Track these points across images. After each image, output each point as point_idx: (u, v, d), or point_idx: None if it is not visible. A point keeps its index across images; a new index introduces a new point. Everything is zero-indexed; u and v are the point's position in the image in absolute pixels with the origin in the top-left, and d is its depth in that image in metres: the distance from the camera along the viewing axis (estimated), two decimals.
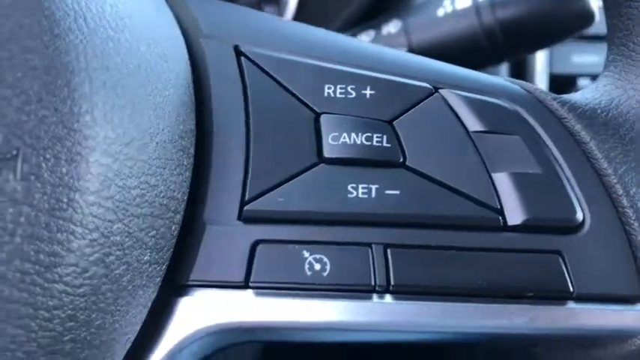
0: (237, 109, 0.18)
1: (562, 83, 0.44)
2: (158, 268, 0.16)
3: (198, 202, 0.18)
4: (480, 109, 0.20)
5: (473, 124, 0.19)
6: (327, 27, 0.51)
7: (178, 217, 0.17)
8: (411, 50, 0.32)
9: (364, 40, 0.33)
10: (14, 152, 0.13)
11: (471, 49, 0.32)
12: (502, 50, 0.32)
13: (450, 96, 0.20)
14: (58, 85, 0.13)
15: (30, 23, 0.14)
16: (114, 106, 0.15)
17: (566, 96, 0.21)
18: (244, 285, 0.17)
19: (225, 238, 0.17)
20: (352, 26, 0.44)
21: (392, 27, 0.33)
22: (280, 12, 0.55)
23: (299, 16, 0.55)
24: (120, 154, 0.15)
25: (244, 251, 0.17)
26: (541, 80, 0.43)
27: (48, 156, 0.13)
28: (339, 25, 0.48)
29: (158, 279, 0.16)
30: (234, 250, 0.17)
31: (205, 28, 0.20)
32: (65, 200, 0.13)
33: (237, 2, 0.54)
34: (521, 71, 0.44)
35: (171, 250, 0.17)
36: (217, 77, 0.19)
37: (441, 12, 0.32)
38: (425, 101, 0.20)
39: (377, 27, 0.33)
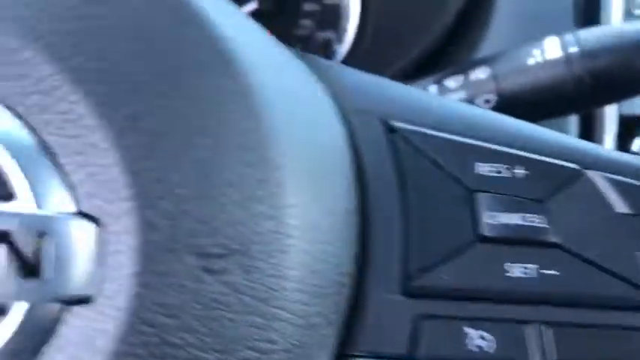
0: (392, 186, 0.19)
1: (632, 124, 0.45)
2: (333, 341, 0.17)
3: (362, 276, 0.18)
4: (625, 191, 0.21)
5: (620, 206, 0.21)
6: (393, 63, 0.53)
7: (350, 292, 0.18)
8: (500, 97, 0.33)
9: (452, 85, 0.34)
10: (236, 247, 0.14)
11: (559, 97, 0.33)
12: (590, 100, 0.33)
13: (597, 178, 0.21)
14: (271, 180, 0.15)
15: (247, 126, 0.15)
16: (314, 196, 0.16)
17: None
18: (409, 358, 0.18)
19: (390, 312, 0.19)
20: (421, 66, 0.46)
21: (480, 73, 0.34)
22: (339, 38, 0.57)
23: (358, 45, 0.57)
24: (315, 240, 0.16)
25: (408, 325, 0.19)
26: (611, 122, 0.45)
27: (265, 249, 0.14)
28: (407, 64, 0.50)
29: (331, 352, 0.18)
30: (399, 324, 0.19)
31: (354, 103, 0.21)
32: (277, 289, 0.15)
33: (291, 31, 0.56)
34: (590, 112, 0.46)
35: (343, 323, 0.18)
36: (370, 153, 0.20)
37: (531, 61, 0.33)
38: (575, 183, 0.21)
39: (464, 72, 0.34)
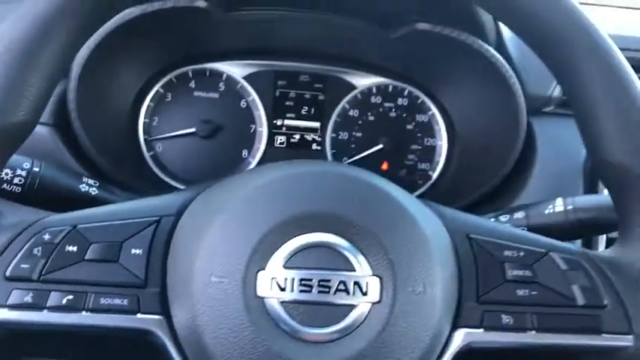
0: (471, 263, 0.44)
1: None
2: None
3: (460, 295, 0.45)
4: (570, 261, 0.46)
5: (562, 264, 0.44)
6: (466, 194, 0.76)
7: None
8: (529, 228, 0.59)
9: (503, 219, 0.60)
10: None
11: (560, 231, 0.57)
12: (577, 234, 0.59)
13: (554, 255, 0.44)
14: (432, 266, 0.41)
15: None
16: (442, 270, 0.42)
17: None
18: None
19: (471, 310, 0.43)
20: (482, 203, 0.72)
21: (519, 215, 0.60)
22: (432, 168, 0.82)
23: (444, 174, 0.81)
24: (446, 282, 0.42)
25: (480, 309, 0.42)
26: None
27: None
28: (476, 197, 0.74)
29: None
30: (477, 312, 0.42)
31: (453, 226, 0.46)
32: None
33: (403, 162, 0.81)
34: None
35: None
36: (461, 248, 0.44)
37: (547, 211, 0.59)
38: (544, 257, 0.44)
39: (510, 213, 0.60)
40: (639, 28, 0.86)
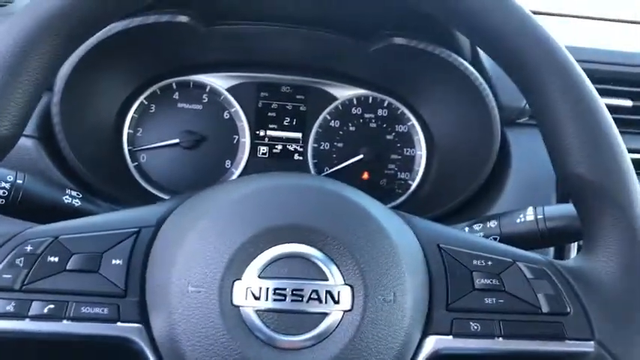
0: (441, 271, 0.46)
1: None
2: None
3: (431, 304, 0.46)
4: (535, 270, 0.46)
5: (529, 274, 0.45)
6: (443, 203, 0.78)
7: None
8: (501, 237, 0.60)
9: (476, 228, 0.62)
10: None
11: (531, 239, 0.59)
12: (547, 243, 0.60)
13: (521, 265, 0.46)
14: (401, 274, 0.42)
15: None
16: (413, 278, 0.43)
17: None
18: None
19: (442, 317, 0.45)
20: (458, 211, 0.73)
21: (492, 224, 0.61)
22: (412, 178, 0.84)
23: (423, 182, 0.82)
24: (416, 291, 0.44)
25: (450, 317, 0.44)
26: None
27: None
28: (453, 206, 0.76)
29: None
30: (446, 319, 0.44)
31: (424, 237, 0.47)
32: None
33: (383, 172, 0.84)
34: None
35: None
36: (431, 258, 0.46)
37: (518, 220, 0.60)
38: (511, 266, 0.45)
39: (483, 222, 0.62)
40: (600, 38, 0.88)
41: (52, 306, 0.41)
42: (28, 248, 0.42)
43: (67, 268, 0.42)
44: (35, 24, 0.40)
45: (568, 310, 0.45)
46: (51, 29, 0.41)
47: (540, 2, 0.93)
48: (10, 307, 0.40)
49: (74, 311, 0.41)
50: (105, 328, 0.41)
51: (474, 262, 0.46)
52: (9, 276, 0.41)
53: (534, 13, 0.46)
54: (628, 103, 0.77)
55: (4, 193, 0.53)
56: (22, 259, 0.42)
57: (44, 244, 0.42)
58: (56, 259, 0.42)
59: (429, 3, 0.46)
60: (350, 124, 0.83)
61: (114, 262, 0.42)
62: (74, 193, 0.59)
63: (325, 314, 0.40)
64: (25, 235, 0.43)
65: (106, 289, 0.42)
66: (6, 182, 0.54)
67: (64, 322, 0.41)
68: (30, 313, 0.40)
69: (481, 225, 0.61)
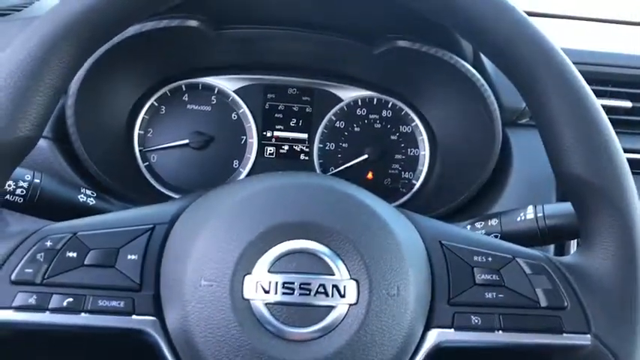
0: (443, 267, 0.47)
1: None
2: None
3: (433, 298, 0.48)
4: (534, 266, 0.47)
5: (527, 269, 0.47)
6: (446, 201, 0.80)
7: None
8: (502, 235, 0.62)
9: (478, 226, 0.64)
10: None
11: (531, 237, 0.60)
12: (546, 241, 0.62)
13: (520, 261, 0.47)
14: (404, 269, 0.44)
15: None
16: (416, 273, 0.44)
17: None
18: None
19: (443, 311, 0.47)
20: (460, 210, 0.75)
21: (493, 222, 0.63)
22: (415, 177, 0.84)
23: (426, 182, 0.84)
24: (419, 285, 0.45)
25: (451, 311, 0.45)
26: None
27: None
28: (455, 205, 0.77)
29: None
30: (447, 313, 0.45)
31: (427, 234, 0.48)
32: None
33: (387, 171, 0.85)
34: None
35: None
36: (434, 254, 0.46)
37: (519, 218, 0.61)
38: (511, 263, 0.47)
39: (485, 220, 0.64)
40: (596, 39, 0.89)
41: (70, 299, 0.43)
42: (48, 244, 0.44)
43: (85, 263, 0.44)
44: (57, 29, 0.42)
45: (565, 304, 0.46)
46: (72, 34, 0.43)
47: (537, 3, 0.93)
48: (31, 300, 0.42)
49: (92, 304, 0.43)
50: (121, 320, 0.43)
51: (475, 258, 0.47)
52: (30, 270, 0.43)
53: (529, 14, 0.47)
54: (628, 104, 0.78)
55: (22, 191, 0.55)
56: (43, 254, 0.44)
57: (63, 240, 0.44)
58: (75, 255, 0.44)
59: (419, 3, 0.47)
60: (355, 125, 0.85)
61: (129, 257, 0.44)
62: (89, 192, 0.61)
63: (332, 307, 0.42)
64: (44, 231, 0.45)
65: (122, 283, 0.44)
66: (24, 181, 0.56)
67: (82, 314, 0.43)
68: (50, 306, 0.42)
69: (483, 223, 0.63)
